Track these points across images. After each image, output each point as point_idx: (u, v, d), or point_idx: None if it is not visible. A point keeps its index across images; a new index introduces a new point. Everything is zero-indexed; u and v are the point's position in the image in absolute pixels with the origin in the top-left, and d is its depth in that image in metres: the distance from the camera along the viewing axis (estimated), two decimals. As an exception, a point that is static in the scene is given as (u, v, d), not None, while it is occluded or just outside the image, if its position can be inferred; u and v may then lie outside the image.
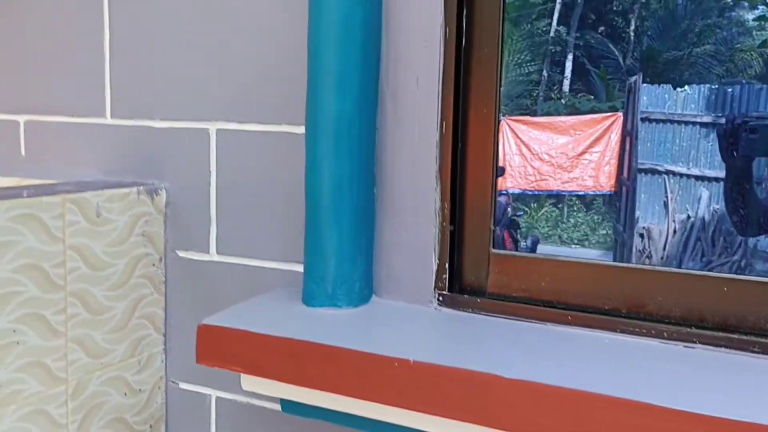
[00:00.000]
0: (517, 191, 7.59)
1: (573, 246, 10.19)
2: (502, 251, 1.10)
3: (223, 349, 0.99)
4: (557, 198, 10.61)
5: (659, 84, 7.52)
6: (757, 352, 0.91)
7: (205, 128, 1.24)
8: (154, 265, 1.27)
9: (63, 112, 1.37)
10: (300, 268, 1.18)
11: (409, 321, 1.05)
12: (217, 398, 1.29)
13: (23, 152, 1.42)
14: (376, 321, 1.04)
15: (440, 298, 1.09)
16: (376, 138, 1.11)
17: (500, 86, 1.06)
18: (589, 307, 1.04)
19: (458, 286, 1.11)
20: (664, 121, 7.40)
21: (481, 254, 1.10)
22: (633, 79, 7.32)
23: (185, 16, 1.24)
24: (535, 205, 10.56)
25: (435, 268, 1.09)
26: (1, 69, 1.42)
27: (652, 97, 7.52)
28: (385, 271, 1.12)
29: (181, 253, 1.29)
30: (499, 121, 1.08)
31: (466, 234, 1.11)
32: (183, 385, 1.31)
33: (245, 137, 1.21)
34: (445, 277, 1.10)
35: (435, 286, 1.09)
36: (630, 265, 1.09)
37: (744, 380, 0.83)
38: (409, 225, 1.10)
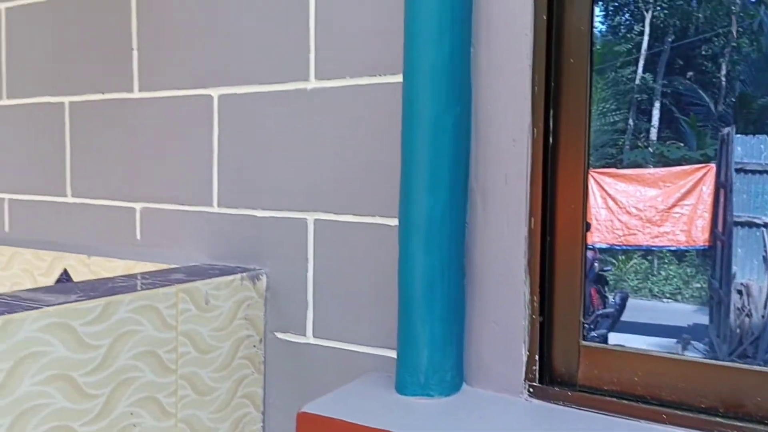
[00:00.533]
0: (604, 246, 7.42)
1: (665, 300, 9.79)
2: (592, 344, 1.11)
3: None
4: (646, 249, 10.29)
5: (754, 134, 7.25)
6: None
7: (304, 218, 1.32)
8: (254, 346, 1.35)
9: (175, 200, 1.49)
10: (392, 353, 1.22)
11: (500, 412, 1.07)
12: (312, 476, 1.33)
13: (138, 236, 1.54)
14: (469, 412, 1.07)
15: (530, 390, 1.11)
16: (465, 232, 1.15)
17: (587, 193, 1.09)
18: (684, 404, 1.03)
19: (548, 377, 1.13)
20: (760, 172, 7.10)
21: (572, 346, 1.12)
22: (726, 130, 7.09)
23: (285, 114, 1.34)
24: (623, 257, 10.27)
25: (525, 359, 1.11)
26: (120, 161, 1.56)
27: (747, 147, 7.25)
28: (476, 360, 1.15)
29: (280, 335, 1.36)
30: (586, 223, 1.10)
31: (555, 326, 1.13)
32: (279, 462, 1.36)
33: (341, 227, 1.28)
34: (535, 369, 1.11)
35: (525, 378, 1.11)
36: (727, 363, 1.07)
37: None
38: (498, 316, 1.13)
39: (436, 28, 1.08)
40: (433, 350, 1.11)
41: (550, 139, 1.11)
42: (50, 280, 1.64)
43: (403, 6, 1.12)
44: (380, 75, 1.22)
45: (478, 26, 1.12)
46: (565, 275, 1.12)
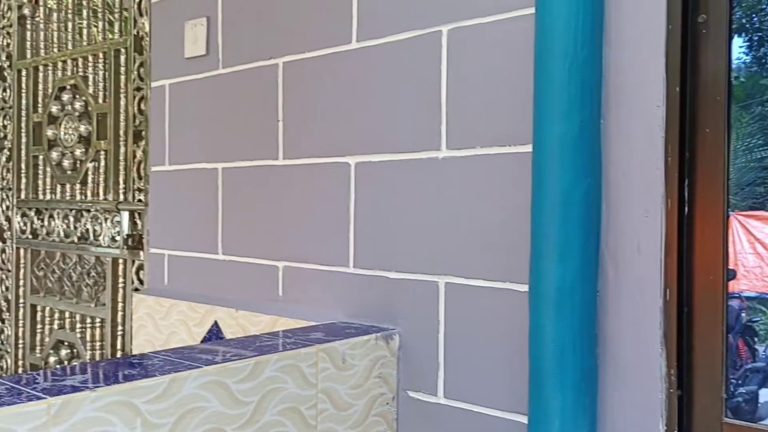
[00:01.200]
0: (752, 294, 6.88)
1: (826, 354, 8.86)
2: (737, 421, 1.07)
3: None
4: (803, 297, 9.42)
5: None
6: None
7: (435, 281, 1.37)
8: (387, 404, 1.40)
9: (314, 260, 1.59)
10: (523, 419, 1.23)
11: (635, 489, 1.05)
12: None
13: (281, 293, 1.65)
14: (601, 487, 1.06)
15: (668, 467, 1.08)
16: (597, 301, 1.15)
17: (726, 262, 1.06)
18: (841, 494, 0.96)
19: (689, 456, 1.09)
20: None
21: (713, 423, 1.08)
22: None
23: (418, 181, 1.40)
24: (776, 305, 9.44)
25: (662, 434, 1.09)
26: (265, 222, 1.69)
27: None
28: (610, 424, 1.14)
29: (412, 394, 1.40)
30: (726, 304, 1.07)
31: (695, 401, 1.09)
32: None
33: (472, 291, 1.32)
34: (674, 445, 1.09)
35: (662, 454, 1.09)
36: None
37: None
38: (633, 388, 1.12)
39: (565, 102, 1.11)
40: (564, 420, 1.11)
41: (686, 209, 1.10)
42: (203, 331, 1.79)
43: (533, 79, 1.16)
44: (510, 145, 1.26)
45: (608, 99, 1.14)
46: (705, 349, 1.09)
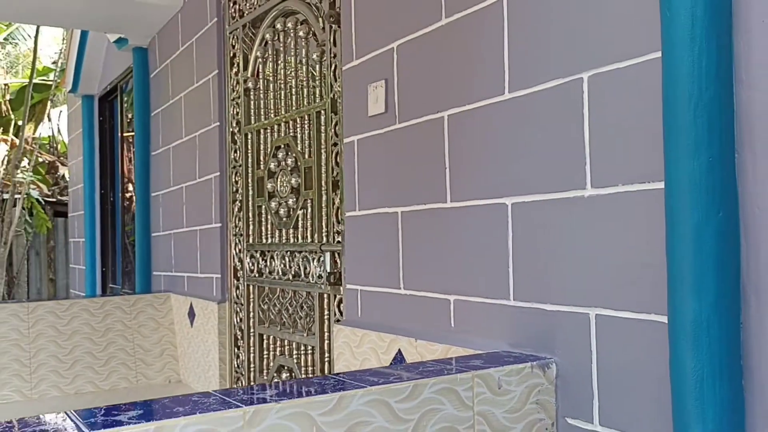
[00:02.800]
0: None
1: None
2: None
3: None
4: None
5: None
6: None
7: (587, 313, 1.45)
8: (547, 429, 1.49)
9: (479, 294, 1.73)
10: (674, 449, 1.25)
11: None
12: None
13: (452, 324, 1.82)
14: None
15: (823, 504, 1.06)
16: (741, 334, 1.16)
17: None
18: None
19: None
20: None
21: None
22: None
23: (567, 218, 1.49)
24: None
25: (814, 470, 1.07)
26: (436, 258, 1.87)
27: None
28: (759, 465, 1.13)
29: (570, 421, 1.48)
30: None
31: None
32: None
33: (619, 323, 1.38)
34: (828, 482, 1.06)
35: (815, 490, 1.06)
36: None
37: None
38: (781, 422, 1.11)
39: (692, 140, 1.16)
40: (708, 449, 1.14)
41: (828, 240, 1.08)
42: (389, 358, 2.01)
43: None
44: (649, 182, 1.32)
45: (741, 135, 1.16)
46: None
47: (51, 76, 8.93)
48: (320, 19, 2.54)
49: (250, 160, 3.12)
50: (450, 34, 1.84)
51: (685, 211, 1.17)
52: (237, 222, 3.24)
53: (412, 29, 1.98)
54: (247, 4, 3.13)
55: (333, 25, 2.45)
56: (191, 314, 3.60)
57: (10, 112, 8.68)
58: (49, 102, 8.95)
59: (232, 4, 3.26)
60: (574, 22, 1.49)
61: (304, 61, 2.70)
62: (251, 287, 3.12)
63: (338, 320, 2.39)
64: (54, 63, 9.45)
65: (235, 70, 3.25)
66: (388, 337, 2.01)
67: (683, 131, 1.17)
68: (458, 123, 1.81)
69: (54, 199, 8.36)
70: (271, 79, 2.98)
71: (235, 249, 3.27)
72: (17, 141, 7.73)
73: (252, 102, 3.13)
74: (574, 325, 1.48)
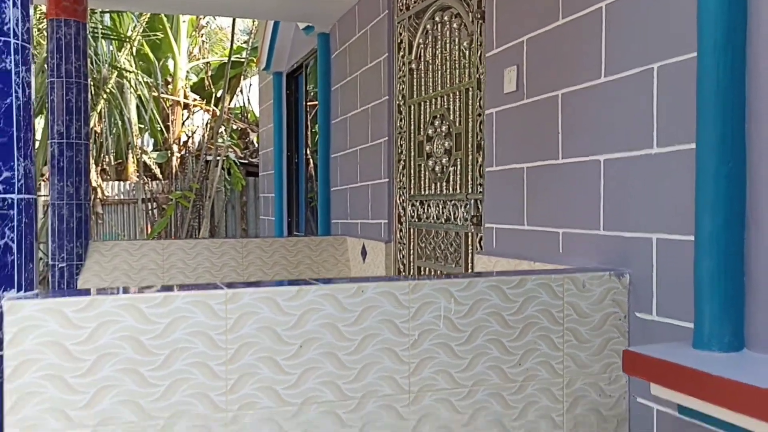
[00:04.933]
0: None
1: None
2: (835, 327, 1.53)
3: (640, 368, 1.75)
4: None
5: None
6: None
7: (650, 237, 2.02)
8: (620, 320, 2.09)
9: (580, 227, 2.34)
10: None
11: (759, 365, 1.60)
12: (659, 411, 2.00)
13: (560, 250, 2.44)
14: (733, 362, 1.63)
15: (786, 356, 1.60)
16: (744, 246, 1.70)
17: None
18: None
19: (801, 349, 1.59)
20: None
21: (819, 328, 1.56)
22: None
23: (640, 170, 2.06)
24: None
25: (782, 334, 1.61)
26: (551, 201, 2.49)
27: None
28: (753, 335, 1.68)
29: (637, 314, 2.07)
30: None
31: (807, 313, 1.58)
32: (639, 399, 2.07)
33: (671, 243, 1.94)
34: (790, 342, 1.60)
35: (782, 347, 1.61)
36: None
37: None
38: (766, 304, 1.65)
39: (712, 114, 1.70)
40: (713, 323, 1.70)
41: (800, 181, 1.59)
42: (514, 277, 2.66)
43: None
44: (690, 143, 1.86)
45: (750, 112, 1.69)
46: (813, 277, 1.57)
47: (243, 54, 10.28)
48: (470, 14, 3.19)
49: (412, 127, 3.86)
50: (564, 32, 2.43)
51: (706, 162, 1.72)
52: (401, 177, 4.01)
53: (537, 27, 2.58)
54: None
55: (479, 20, 3.09)
56: (363, 253, 4.45)
57: (212, 86, 10.14)
58: (242, 77, 10.33)
59: (399, -1, 3.98)
60: (647, 27, 2.04)
61: (456, 47, 3.37)
62: (412, 230, 3.89)
63: (479, 251, 3.08)
64: (245, 42, 10.82)
65: (401, 53, 3.98)
66: (514, 261, 2.67)
67: (707, 108, 1.71)
68: (568, 100, 2.41)
69: (246, 161, 9.72)
70: (430, 61, 3.68)
71: (399, 199, 4.04)
72: (218, 111, 9.09)
73: (414, 80, 3.85)
74: (641, 246, 2.06)
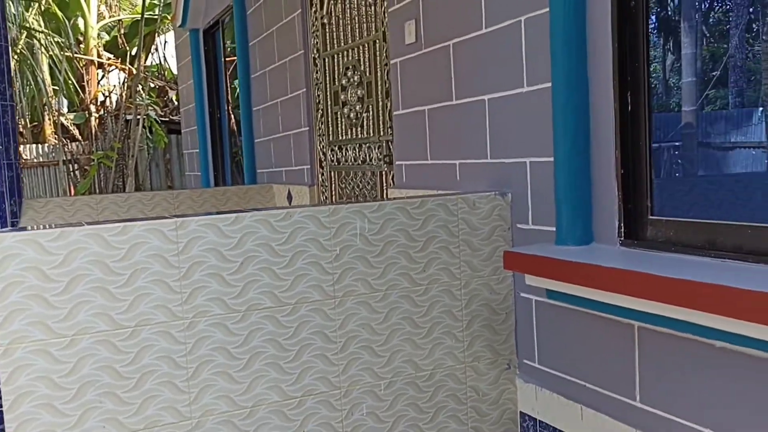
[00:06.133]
0: None
1: None
2: (655, 217, 2.02)
3: (516, 264, 2.21)
4: None
5: None
6: None
7: (525, 161, 2.47)
8: (504, 231, 2.55)
9: (473, 157, 2.77)
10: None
11: (601, 252, 2.08)
12: (536, 300, 2.48)
13: (458, 178, 2.88)
14: (585, 251, 2.11)
15: (621, 243, 2.09)
16: (590, 166, 2.17)
17: (649, 126, 2.01)
18: (688, 247, 1.90)
19: (633, 237, 2.08)
20: None
21: (642, 220, 2.05)
22: None
23: (516, 108, 2.50)
24: None
25: (617, 228, 2.09)
26: (447, 138, 2.91)
27: None
28: (598, 230, 2.16)
29: (519, 225, 2.53)
30: (650, 155, 2.02)
31: (632, 208, 2.07)
32: (522, 294, 2.55)
33: (541, 165, 2.39)
34: (624, 233, 2.08)
35: (618, 237, 2.09)
36: (707, 223, 1.88)
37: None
38: (605, 204, 2.12)
39: (561, 60, 2.14)
40: (568, 224, 2.18)
41: (629, 107, 2.06)
42: (421, 205, 3.09)
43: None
44: (549, 83, 2.30)
45: (590, 56, 2.13)
46: (637, 178, 2.05)
47: (156, 11, 10.21)
48: (373, -27, 3.52)
49: (327, 78, 4.19)
50: (453, -11, 2.81)
51: (558, 96, 2.16)
52: (320, 125, 4.35)
53: (431, -15, 2.96)
54: (321, -42, 4.12)
55: (382, -22, 3.43)
56: (289, 197, 4.80)
57: (126, 45, 10.05)
58: (156, 34, 10.27)
59: (309, -42, 4.25)
60: (518, -15, 2.45)
61: (363, 3, 3.70)
62: (332, 173, 4.26)
63: (391, 186, 3.49)
64: (156, -1, 10.73)
65: (314, 9, 4.28)
66: (422, 191, 3.09)
67: (557, 52, 2.15)
68: (458, 49, 2.81)
69: (167, 119, 9.79)
70: (340, 16, 4.00)
71: (319, 146, 4.40)
72: (134, 70, 9.08)
73: (327, 34, 4.17)
74: (519, 169, 2.51)
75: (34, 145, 9.35)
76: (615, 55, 2.06)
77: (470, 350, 2.50)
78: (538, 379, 2.48)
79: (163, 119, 9.57)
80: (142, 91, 9.55)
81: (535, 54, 2.38)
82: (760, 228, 1.71)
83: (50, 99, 9.21)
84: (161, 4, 9.77)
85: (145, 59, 10.25)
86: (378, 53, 3.56)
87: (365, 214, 2.33)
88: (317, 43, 4.28)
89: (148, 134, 9.18)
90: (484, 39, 2.64)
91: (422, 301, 2.43)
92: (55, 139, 9.25)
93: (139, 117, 8.89)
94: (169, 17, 8.88)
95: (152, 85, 10.27)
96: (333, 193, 4.28)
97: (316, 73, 4.33)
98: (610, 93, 2.08)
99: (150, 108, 9.20)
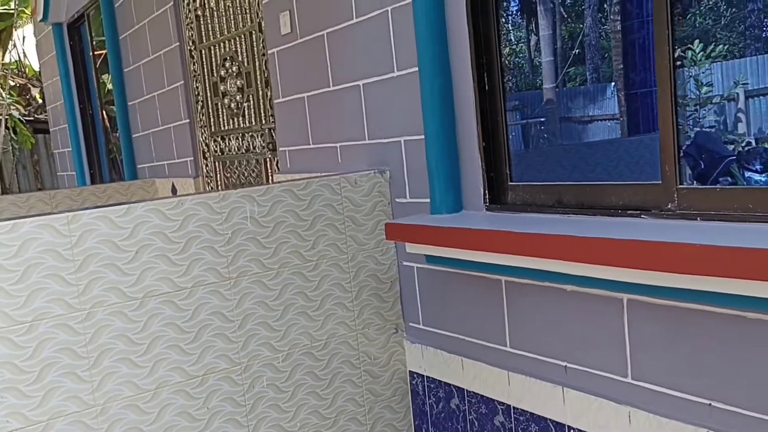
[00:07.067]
0: None
1: None
2: (514, 183, 2.29)
3: (397, 234, 2.41)
4: None
5: None
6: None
7: (399, 140, 2.68)
8: (385, 206, 2.76)
9: (351, 139, 2.95)
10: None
11: (470, 216, 2.33)
12: (417, 267, 2.71)
13: (339, 161, 3.05)
14: (457, 217, 2.35)
15: (486, 208, 2.34)
16: (457, 140, 2.41)
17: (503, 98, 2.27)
18: (542, 207, 2.18)
19: (496, 201, 2.34)
20: None
21: (503, 186, 2.31)
22: None
23: (389, 91, 2.70)
24: None
25: (482, 195, 2.35)
26: (327, 123, 3.07)
27: None
28: (467, 199, 2.41)
29: (397, 199, 2.74)
30: (506, 132, 2.28)
31: (494, 176, 2.33)
32: (404, 263, 2.77)
33: (414, 143, 2.61)
34: (488, 198, 2.34)
35: (483, 202, 2.35)
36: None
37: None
38: (471, 175, 2.37)
39: (426, 44, 2.35)
40: (440, 195, 2.41)
41: (486, 87, 2.31)
42: (307, 188, 3.24)
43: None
44: (404, 70, 2.52)
45: (449, 39, 2.36)
46: (496, 150, 2.31)
47: (11, 5, 9.61)
48: (245, -35, 3.61)
49: (205, 70, 4.23)
50: (323, -18, 2.97)
51: (425, 79, 2.38)
52: (201, 117, 4.39)
53: (302, -23, 3.10)
54: (190, -50, 4.14)
55: (254, -29, 3.52)
56: (174, 191, 4.80)
57: (-21, 42, 9.43)
58: (13, 30, 9.68)
59: (178, -50, 4.25)
60: (383, -23, 2.64)
61: (236, -5, 3.78)
62: (217, 163, 4.32)
63: (277, 172, 3.61)
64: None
65: (186, 1, 4.29)
66: (306, 175, 3.24)
67: (422, 38, 2.37)
68: (332, 38, 2.97)
69: (32, 118, 9.29)
70: (214, 8, 4.05)
71: (201, 137, 4.43)
72: (-9, 68, 8.55)
73: (202, 26, 4.20)
74: (395, 148, 2.72)
75: None
76: (471, 40, 2.30)
77: (360, 318, 2.70)
78: (423, 339, 2.72)
79: (27, 119, 9.08)
80: (2, 90, 9.01)
81: (402, 41, 2.59)
82: (596, 185, 2.01)
83: None
84: (17, -2, 9.24)
85: (3, 56, 9.66)
86: (255, 44, 3.66)
87: (254, 198, 2.46)
88: (192, 35, 4.30)
89: (12, 135, 8.70)
90: (355, 28, 2.82)
91: (313, 276, 2.60)
92: None
93: (0, 117, 8.40)
94: (27, 11, 8.43)
95: (12, 84, 9.70)
96: (219, 183, 4.34)
97: (194, 65, 4.35)
98: (469, 74, 2.32)
99: (12, 107, 8.71)
